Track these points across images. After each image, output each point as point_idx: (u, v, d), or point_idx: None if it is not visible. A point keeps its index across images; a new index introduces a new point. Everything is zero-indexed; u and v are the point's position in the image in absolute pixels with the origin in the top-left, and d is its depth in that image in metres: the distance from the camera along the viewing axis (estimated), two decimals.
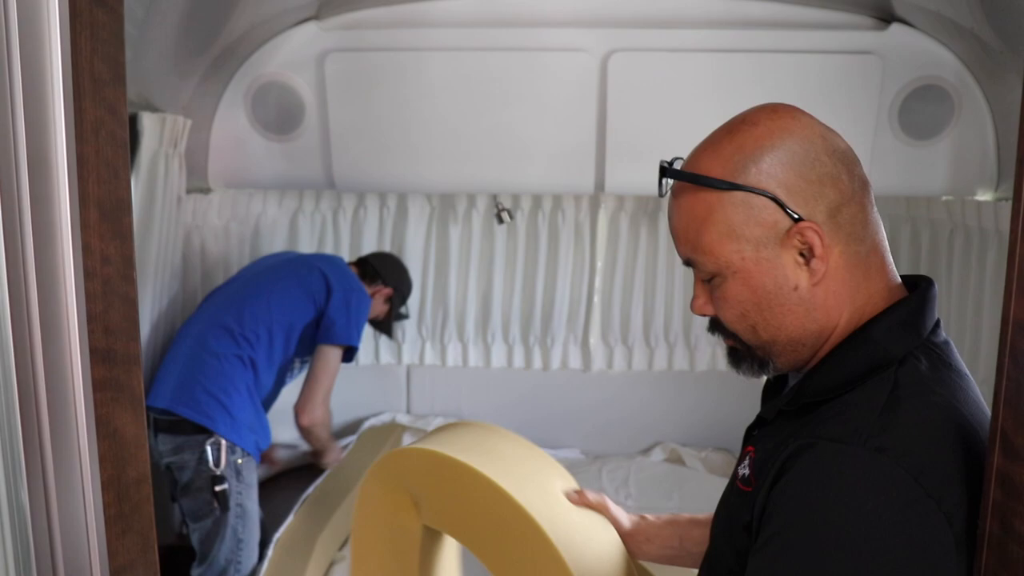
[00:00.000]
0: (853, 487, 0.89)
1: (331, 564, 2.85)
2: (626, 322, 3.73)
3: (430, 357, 3.82)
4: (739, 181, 0.99)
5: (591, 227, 3.62)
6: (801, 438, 0.96)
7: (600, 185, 3.08)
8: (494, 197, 3.56)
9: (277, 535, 2.74)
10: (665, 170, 1.05)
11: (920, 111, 2.95)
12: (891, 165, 2.97)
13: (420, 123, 3.05)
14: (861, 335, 1.01)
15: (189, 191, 3.06)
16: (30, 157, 0.79)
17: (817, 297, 1.01)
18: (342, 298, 2.79)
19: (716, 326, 1.09)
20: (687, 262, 1.07)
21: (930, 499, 0.87)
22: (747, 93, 2.87)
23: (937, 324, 1.04)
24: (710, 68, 2.90)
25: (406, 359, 3.83)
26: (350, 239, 3.67)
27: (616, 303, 3.71)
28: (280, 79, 3.08)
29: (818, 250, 0.99)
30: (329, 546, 2.86)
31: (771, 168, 0.99)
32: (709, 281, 1.06)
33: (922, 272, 3.27)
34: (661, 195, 1.08)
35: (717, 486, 3.33)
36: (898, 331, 1.00)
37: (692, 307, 1.10)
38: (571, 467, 3.61)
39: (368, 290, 3.00)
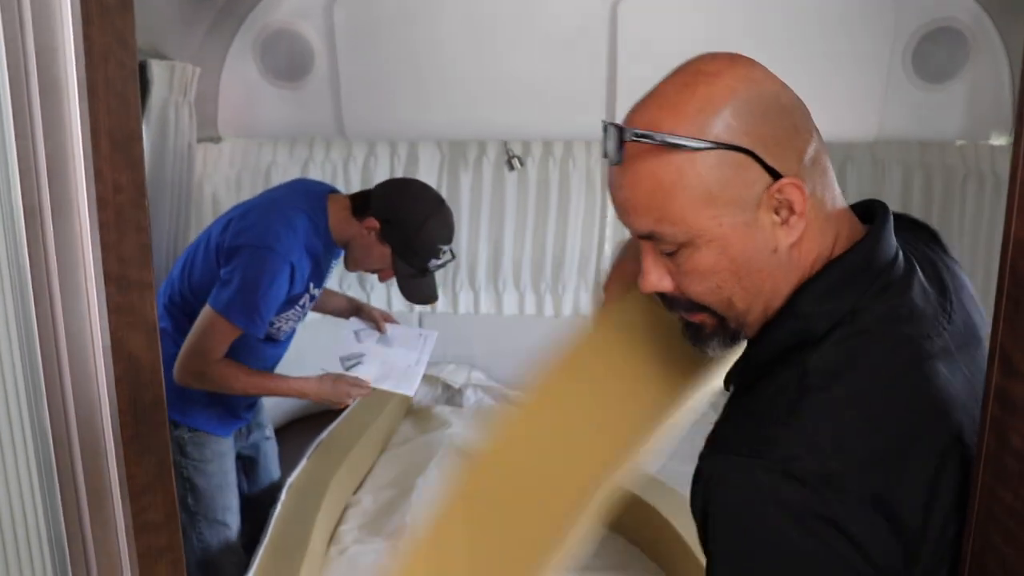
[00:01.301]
0: (748, 507, 0.87)
1: (345, 508, 2.90)
2: None
3: (442, 304, 3.86)
4: (711, 138, 0.88)
5: (602, 173, 3.61)
6: (723, 439, 0.93)
7: None
8: (504, 144, 3.56)
9: (290, 480, 2.79)
10: (622, 131, 0.89)
11: (934, 54, 2.91)
12: (904, 110, 2.94)
13: (430, 69, 3.04)
14: (788, 308, 0.94)
15: (200, 140, 3.07)
16: (41, 84, 0.80)
17: (794, 257, 0.93)
18: (237, 258, 2.28)
19: (675, 303, 0.98)
20: (647, 236, 0.93)
21: (825, 519, 0.84)
22: (759, 38, 2.84)
23: (894, 259, 0.96)
24: (721, 13, 2.87)
25: (417, 306, 3.86)
26: (361, 188, 3.67)
27: None
28: (289, 26, 3.07)
29: (798, 206, 0.90)
30: (343, 490, 2.91)
31: (743, 122, 0.88)
32: (672, 254, 0.93)
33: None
34: (616, 163, 0.91)
35: None
36: (825, 300, 0.93)
37: (643, 285, 0.96)
38: None
39: (358, 227, 2.40)
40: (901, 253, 0.97)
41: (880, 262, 0.94)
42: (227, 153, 3.28)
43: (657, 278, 0.95)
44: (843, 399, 0.88)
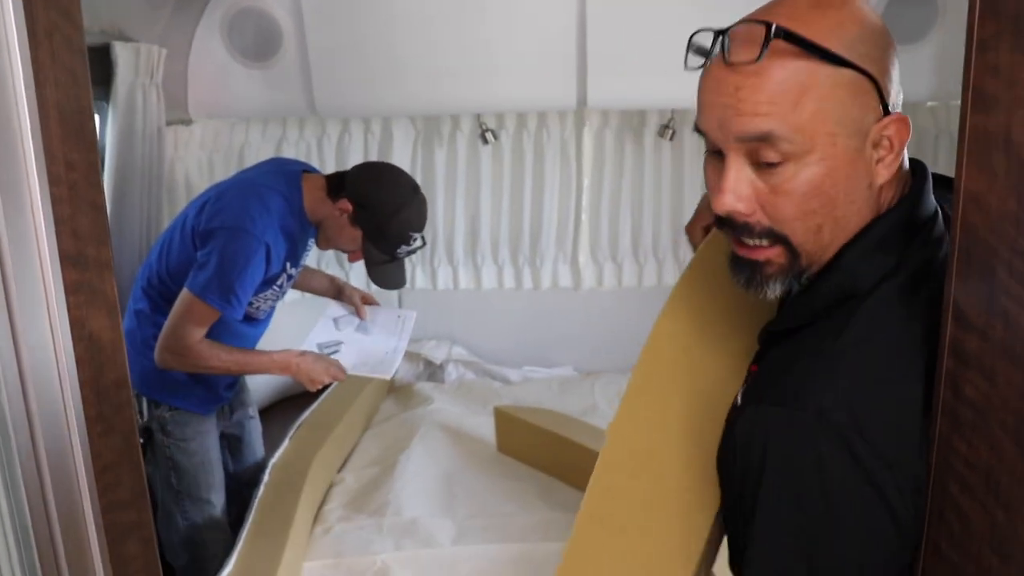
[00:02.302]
0: (786, 455, 0.89)
1: (330, 486, 2.91)
2: (615, 239, 3.75)
3: (420, 281, 3.85)
4: (850, 58, 0.88)
5: (576, 144, 3.61)
6: (763, 390, 0.95)
7: (583, 99, 3.06)
8: (478, 117, 3.54)
9: (274, 459, 2.79)
10: (769, 26, 0.87)
11: (904, 15, 2.91)
12: None
13: (400, 44, 3.02)
14: (836, 261, 0.94)
15: (170, 123, 3.04)
16: None
17: (881, 198, 0.94)
18: (212, 240, 2.28)
19: (747, 230, 0.94)
20: (757, 138, 0.89)
21: (859, 467, 0.86)
22: (730, 5, 2.82)
23: (933, 217, 0.97)
24: None
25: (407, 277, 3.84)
26: (336, 166, 3.65)
27: (604, 220, 3.73)
28: (255, 4, 3.04)
29: (898, 144, 0.91)
30: (326, 469, 2.92)
31: (870, 48, 0.89)
32: (772, 167, 0.90)
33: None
34: (755, 59, 0.88)
35: None
36: (873, 254, 0.93)
37: (723, 201, 0.92)
38: (565, 384, 3.67)
39: (331, 207, 2.40)
40: (939, 209, 0.99)
41: (922, 218, 0.96)
42: (199, 135, 3.26)
43: (737, 196, 0.92)
44: (883, 352, 0.89)
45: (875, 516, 0.87)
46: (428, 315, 3.89)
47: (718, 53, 0.91)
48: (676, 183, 3.65)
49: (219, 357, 2.33)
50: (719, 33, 0.91)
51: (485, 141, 3.57)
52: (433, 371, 3.85)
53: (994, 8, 0.75)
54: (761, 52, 0.87)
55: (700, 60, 0.93)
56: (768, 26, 0.87)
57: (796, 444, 0.88)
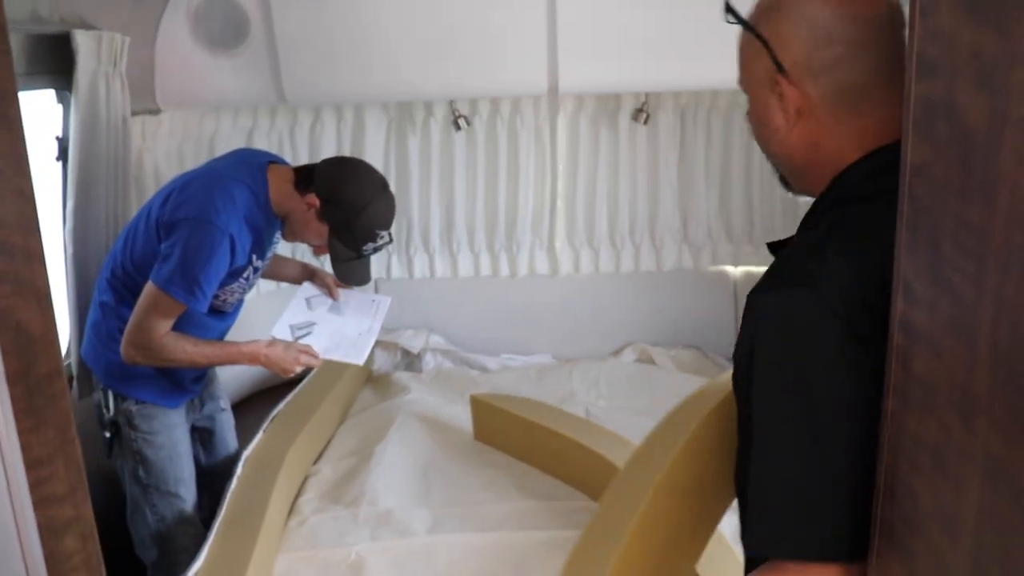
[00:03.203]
0: (777, 333, 0.99)
1: (305, 478, 2.88)
2: (591, 224, 3.72)
3: (396, 270, 3.81)
4: (754, 23, 1.11)
5: (551, 130, 3.57)
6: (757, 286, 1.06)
7: (555, 85, 3.03)
8: (451, 104, 3.50)
9: (247, 452, 2.76)
10: (727, 6, 1.14)
11: None
12: None
13: (369, 30, 2.98)
14: (837, 180, 1.09)
15: (137, 113, 3.00)
16: None
17: (795, 139, 1.11)
18: (176, 232, 2.24)
19: None
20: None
21: (852, 334, 0.94)
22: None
23: None
24: None
25: (372, 273, 3.81)
26: (308, 156, 3.61)
27: (580, 206, 3.70)
28: None
29: (791, 103, 1.08)
30: (301, 461, 2.89)
31: (777, 19, 1.08)
32: None
33: None
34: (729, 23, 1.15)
35: (687, 383, 3.41)
36: (868, 179, 1.06)
37: None
38: (542, 372, 3.65)
39: (298, 201, 2.37)
40: None
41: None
42: (167, 125, 3.21)
43: None
44: (864, 249, 0.98)
45: (858, 361, 0.94)
46: (405, 304, 3.86)
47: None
48: (651, 167, 3.63)
49: (185, 350, 2.30)
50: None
51: (458, 128, 3.53)
52: (410, 360, 3.82)
53: None
54: (726, 17, 1.15)
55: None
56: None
57: (792, 319, 0.98)
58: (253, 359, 2.43)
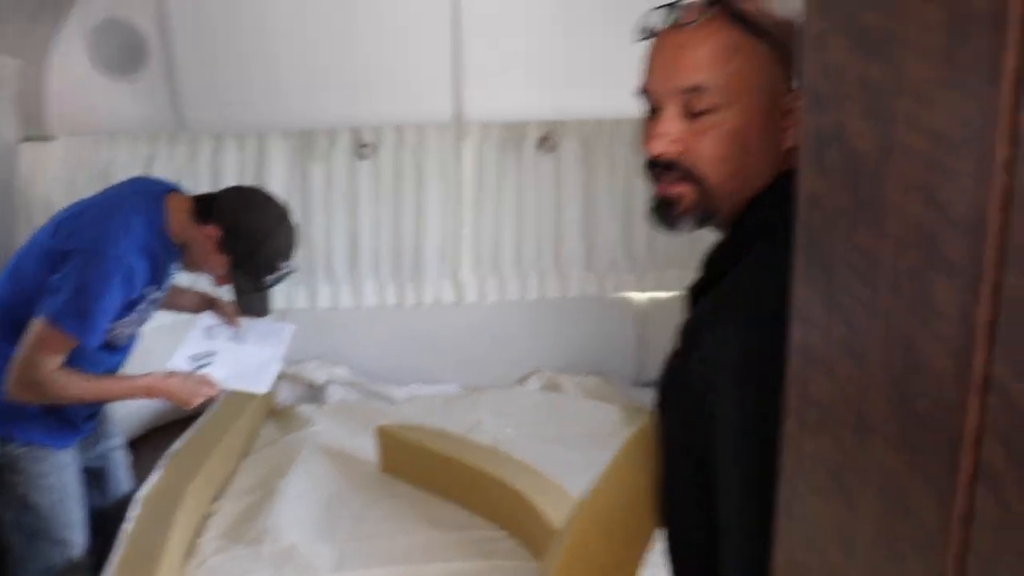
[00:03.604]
0: (755, 353, 0.97)
1: (205, 517, 2.79)
2: (497, 252, 3.74)
3: (300, 300, 3.75)
4: (772, 32, 1.06)
5: (456, 159, 3.58)
6: (712, 314, 1.06)
7: (459, 113, 3.04)
8: (355, 132, 3.48)
9: (142, 492, 2.65)
10: (719, 1, 1.07)
11: None
12: None
13: (271, 57, 2.95)
14: (754, 204, 1.08)
15: (27, 139, 2.89)
16: None
17: (784, 163, 1.07)
18: (69, 263, 2.15)
19: (668, 171, 1.10)
20: (692, 88, 1.06)
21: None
22: (602, 9, 2.84)
23: None
24: None
25: (276, 304, 3.74)
26: (209, 184, 3.53)
27: (486, 234, 3.71)
28: (119, 14, 2.92)
29: (795, 125, 1.05)
30: (201, 498, 2.80)
31: (787, 34, 1.06)
32: (701, 114, 1.07)
33: None
34: (701, 20, 1.07)
35: (594, 410, 3.44)
36: (781, 204, 0.99)
37: (655, 143, 1.09)
38: (449, 401, 3.63)
39: (197, 231, 2.30)
40: None
41: None
42: (60, 152, 3.10)
43: (669, 139, 1.08)
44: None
45: None
46: (309, 335, 3.79)
47: (668, 20, 1.10)
48: (557, 195, 3.67)
49: (77, 386, 2.21)
50: (670, 4, 1.10)
51: (363, 156, 3.51)
52: (315, 392, 3.75)
53: (826, 7, 0.75)
54: (700, 16, 1.07)
55: (647, 34, 1.12)
56: None
57: (763, 345, 0.95)
58: (150, 392, 2.35)
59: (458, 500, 2.77)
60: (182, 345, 2.55)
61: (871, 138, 0.69)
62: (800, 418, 0.81)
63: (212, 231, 2.29)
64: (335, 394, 3.70)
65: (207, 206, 2.33)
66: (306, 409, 3.55)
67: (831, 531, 0.76)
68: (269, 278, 2.37)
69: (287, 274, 2.42)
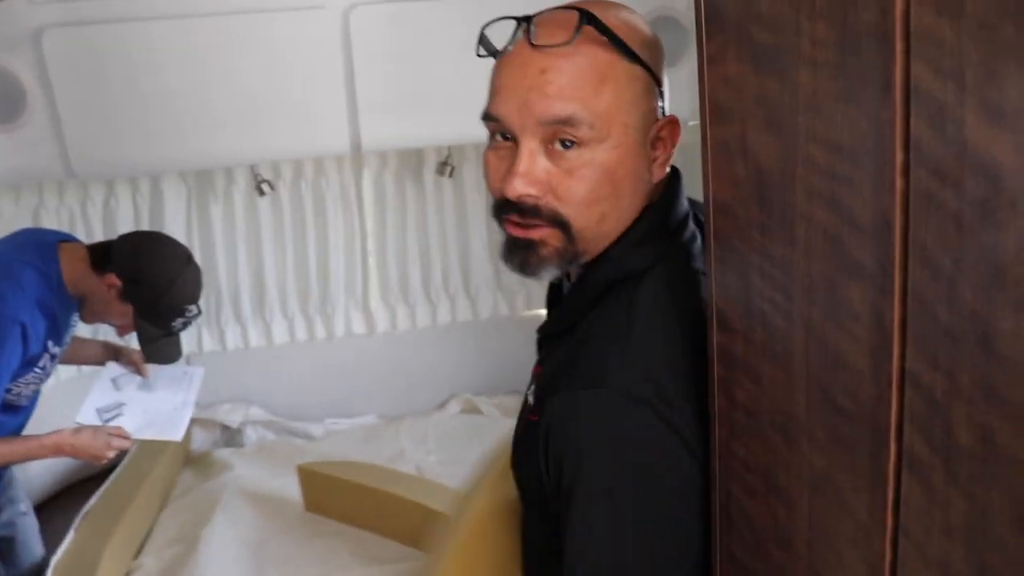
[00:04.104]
0: (603, 434, 0.93)
1: (127, 574, 2.69)
2: (404, 280, 3.72)
3: (208, 343, 3.66)
4: (643, 57, 0.97)
5: (356, 189, 3.56)
6: (562, 379, 0.98)
7: (356, 143, 3.02)
8: (252, 169, 3.42)
9: (55, 558, 2.54)
10: (583, 14, 0.93)
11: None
12: None
13: (159, 97, 2.87)
14: (604, 254, 1.00)
15: None
16: None
17: (649, 195, 1.02)
18: None
19: (531, 212, 0.97)
20: (558, 122, 0.94)
21: (674, 435, 0.91)
22: (497, 36, 2.87)
23: (686, 218, 1.05)
24: (452, 13, 2.88)
25: (183, 349, 3.64)
26: (104, 232, 3.42)
27: (392, 262, 3.69)
28: None
29: (671, 146, 1.01)
30: (120, 557, 2.70)
31: (654, 54, 0.99)
32: (568, 148, 0.95)
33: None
34: (566, 42, 0.93)
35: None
36: (640, 247, 1.00)
37: (515, 185, 0.95)
38: (369, 433, 3.59)
39: (96, 282, 2.25)
40: (690, 212, 1.07)
41: (678, 217, 1.04)
42: None
43: (531, 179, 0.95)
44: (669, 325, 0.96)
45: (687, 468, 0.92)
46: (220, 378, 3.70)
47: (522, 37, 0.96)
48: (460, 218, 3.67)
49: None
50: (524, 19, 0.97)
51: (262, 193, 3.45)
52: (231, 436, 3.66)
53: (718, 23, 0.78)
54: (573, 36, 0.93)
55: (493, 49, 1.01)
56: (582, 13, 0.93)
57: (612, 422, 0.92)
58: (57, 451, 2.25)
59: (387, 532, 2.73)
60: (88, 398, 2.47)
61: (773, 151, 0.72)
62: (728, 424, 0.83)
63: (112, 280, 2.23)
64: (252, 435, 3.62)
65: (104, 254, 2.26)
66: (223, 453, 3.46)
67: (770, 532, 0.78)
68: (176, 322, 2.32)
69: (195, 316, 2.37)
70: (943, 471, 0.55)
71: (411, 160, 3.56)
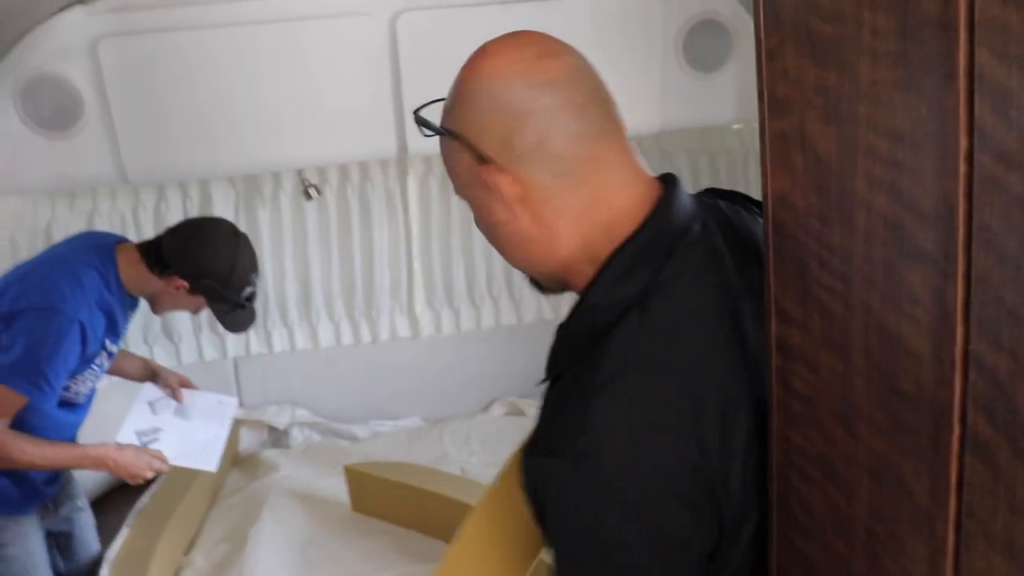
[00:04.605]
0: (564, 503, 0.92)
1: (177, 571, 2.75)
2: (449, 284, 3.75)
3: (256, 346, 3.71)
4: (445, 124, 1.02)
5: (402, 193, 3.59)
6: (539, 432, 0.99)
7: (403, 147, 3.05)
8: (300, 173, 3.48)
9: (110, 552, 2.60)
10: (415, 114, 1.05)
11: (702, 45, 3.07)
12: (682, 99, 3.07)
13: (211, 104, 2.93)
14: (583, 299, 1.00)
15: None
16: None
17: (526, 229, 1.00)
18: (19, 322, 2.12)
19: None
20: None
21: (630, 510, 0.90)
22: None
23: (684, 232, 0.99)
24: (499, 19, 2.91)
25: (231, 352, 3.70)
26: (155, 235, 3.49)
27: (437, 266, 3.72)
28: (51, 71, 2.87)
29: (505, 190, 0.98)
30: (172, 553, 2.76)
31: (466, 111, 1.00)
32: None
33: None
34: (426, 136, 1.05)
35: None
36: (615, 287, 0.97)
37: None
38: (413, 435, 3.63)
39: (161, 285, 2.33)
40: (699, 223, 1.01)
41: (672, 233, 0.98)
42: None
43: None
44: (632, 392, 0.92)
45: (656, 543, 0.90)
46: (267, 380, 3.77)
47: None
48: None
49: (24, 451, 2.15)
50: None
51: (309, 197, 3.50)
52: (277, 437, 3.71)
53: (776, 20, 0.80)
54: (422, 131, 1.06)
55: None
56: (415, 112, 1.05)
57: (563, 493, 0.92)
58: (100, 464, 2.31)
59: (431, 532, 2.76)
60: (126, 420, 2.51)
61: (833, 141, 0.73)
62: (786, 413, 0.84)
63: (178, 283, 2.32)
64: (298, 436, 3.67)
65: (156, 253, 2.34)
66: (270, 454, 3.52)
67: (828, 518, 0.79)
68: (246, 292, 2.41)
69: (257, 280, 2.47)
70: (1008, 450, 0.56)
71: None
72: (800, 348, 0.81)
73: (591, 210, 1.00)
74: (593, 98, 1.01)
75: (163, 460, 2.38)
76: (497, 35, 1.07)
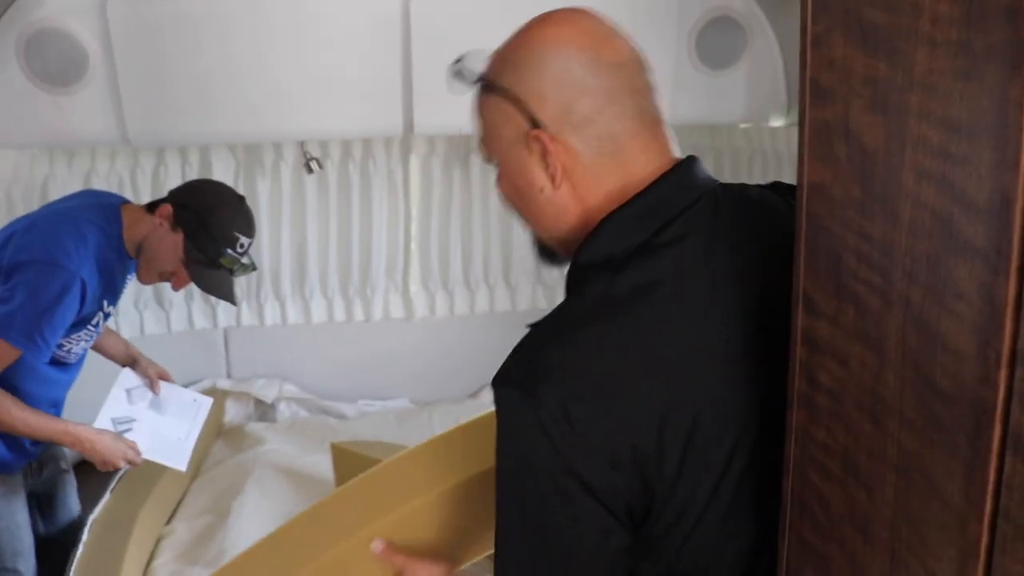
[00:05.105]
0: (508, 434, 0.99)
1: (158, 540, 2.73)
2: (445, 266, 3.73)
3: (247, 318, 3.68)
4: (498, 83, 1.03)
5: (404, 172, 3.57)
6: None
7: (409, 125, 3.02)
8: (302, 145, 3.44)
9: (93, 515, 2.58)
10: (455, 65, 1.08)
11: (715, 42, 3.06)
12: (693, 95, 3.06)
13: (217, 70, 2.89)
14: (591, 234, 1.04)
15: None
16: None
17: (564, 198, 1.04)
18: (19, 274, 2.09)
19: None
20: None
21: (546, 437, 0.94)
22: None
23: (697, 200, 1.03)
24: (518, 4, 2.87)
25: (222, 322, 3.67)
26: (152, 199, 3.45)
27: (434, 248, 3.70)
28: (57, 25, 2.83)
29: (551, 156, 1.01)
30: (154, 521, 2.74)
31: (525, 74, 1.02)
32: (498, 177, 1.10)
33: None
34: (470, 85, 1.08)
35: None
36: (602, 248, 1.02)
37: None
38: (401, 416, 3.61)
39: (150, 220, 2.27)
40: (707, 200, 1.05)
41: (666, 205, 1.02)
42: None
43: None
44: (614, 337, 0.97)
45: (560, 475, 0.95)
46: (256, 353, 3.74)
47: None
48: (503, 209, 3.67)
49: (10, 412, 2.11)
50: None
51: (310, 170, 3.47)
52: (264, 411, 3.69)
53: (824, 6, 0.78)
54: (465, 81, 1.09)
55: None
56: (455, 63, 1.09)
57: (505, 418, 0.98)
58: (76, 444, 2.27)
59: None
60: (104, 407, 2.47)
61: (879, 132, 0.71)
62: (808, 407, 0.83)
63: (165, 210, 2.25)
64: (285, 411, 3.65)
65: (160, 201, 2.32)
66: (256, 427, 3.50)
67: (847, 516, 0.78)
68: (227, 252, 2.28)
69: (249, 264, 2.37)
70: None
71: (460, 147, 3.57)
72: (829, 341, 0.79)
73: (624, 191, 1.03)
74: (649, 85, 1.05)
75: (137, 452, 2.34)
76: (512, 20, 1.09)
